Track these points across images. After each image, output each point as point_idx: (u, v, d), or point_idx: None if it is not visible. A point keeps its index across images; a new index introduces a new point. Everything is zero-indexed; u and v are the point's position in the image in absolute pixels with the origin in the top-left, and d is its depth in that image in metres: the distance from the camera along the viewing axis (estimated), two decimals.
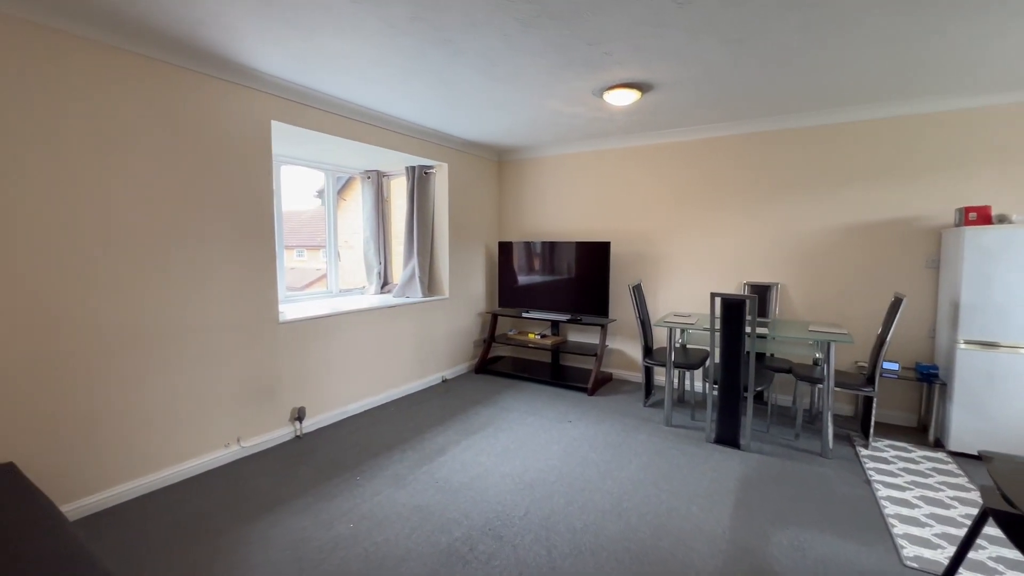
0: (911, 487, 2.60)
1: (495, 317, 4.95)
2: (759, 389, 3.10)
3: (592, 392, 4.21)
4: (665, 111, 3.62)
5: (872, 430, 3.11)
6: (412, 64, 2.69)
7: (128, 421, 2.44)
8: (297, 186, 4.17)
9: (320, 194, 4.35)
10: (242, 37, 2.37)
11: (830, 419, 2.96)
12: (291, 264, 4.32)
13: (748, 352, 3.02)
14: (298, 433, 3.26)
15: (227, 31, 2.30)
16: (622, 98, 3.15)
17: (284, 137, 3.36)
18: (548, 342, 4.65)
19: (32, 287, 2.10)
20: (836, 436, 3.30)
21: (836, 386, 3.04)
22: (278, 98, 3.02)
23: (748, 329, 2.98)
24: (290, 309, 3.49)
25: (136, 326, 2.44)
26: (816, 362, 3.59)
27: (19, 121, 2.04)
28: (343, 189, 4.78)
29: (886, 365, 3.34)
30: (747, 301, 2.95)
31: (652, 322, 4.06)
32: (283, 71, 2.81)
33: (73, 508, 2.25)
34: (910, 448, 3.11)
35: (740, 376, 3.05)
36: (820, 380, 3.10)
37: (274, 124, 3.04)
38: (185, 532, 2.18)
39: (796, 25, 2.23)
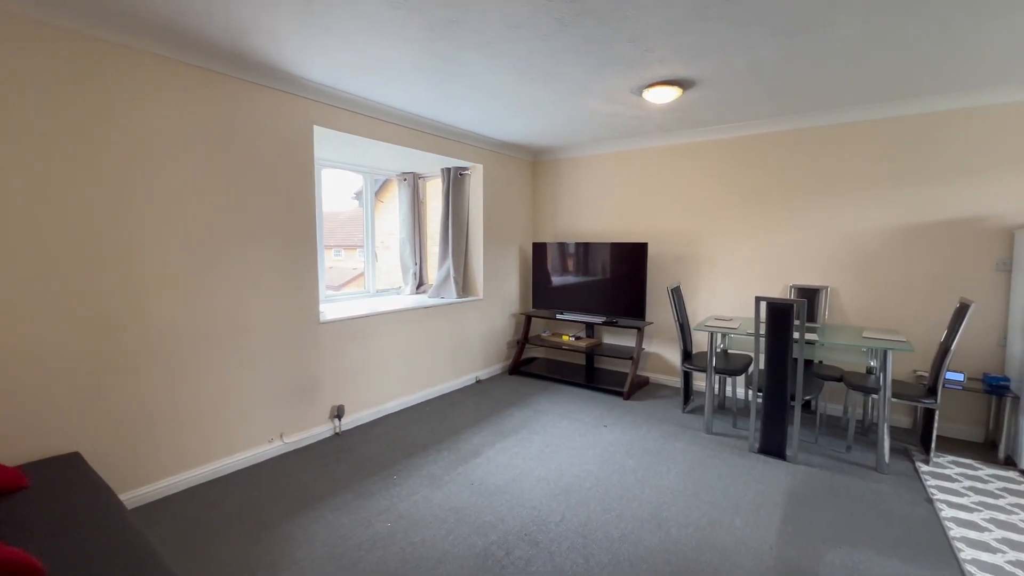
0: (979, 508, 2.41)
1: (529, 318, 4.93)
2: (807, 398, 2.95)
3: (628, 396, 4.13)
4: (707, 108, 3.49)
5: (934, 444, 2.91)
6: (449, 67, 2.70)
7: (180, 415, 2.55)
8: (335, 187, 4.27)
9: (358, 196, 4.44)
10: (284, 45, 2.43)
11: (886, 431, 2.79)
12: (328, 263, 4.42)
13: (796, 359, 2.88)
14: (337, 430, 3.34)
15: (271, 40, 2.36)
16: (662, 95, 3.06)
17: (324, 141, 3.44)
18: (583, 344, 4.58)
19: (96, 290, 2.23)
20: (892, 450, 3.10)
21: (893, 397, 2.86)
22: (319, 103, 3.09)
23: (796, 335, 2.84)
24: (329, 309, 3.57)
25: (188, 326, 2.55)
26: (870, 370, 3.39)
27: (74, 133, 2.17)
28: (380, 191, 4.87)
29: (949, 375, 3.11)
30: (795, 306, 2.81)
31: (691, 326, 3.94)
32: (324, 77, 2.87)
33: (129, 497, 2.37)
34: (977, 465, 2.88)
35: (787, 384, 2.91)
36: (874, 390, 2.92)
37: (315, 129, 3.12)
38: (232, 525, 2.26)
39: (856, 14, 2.10)
